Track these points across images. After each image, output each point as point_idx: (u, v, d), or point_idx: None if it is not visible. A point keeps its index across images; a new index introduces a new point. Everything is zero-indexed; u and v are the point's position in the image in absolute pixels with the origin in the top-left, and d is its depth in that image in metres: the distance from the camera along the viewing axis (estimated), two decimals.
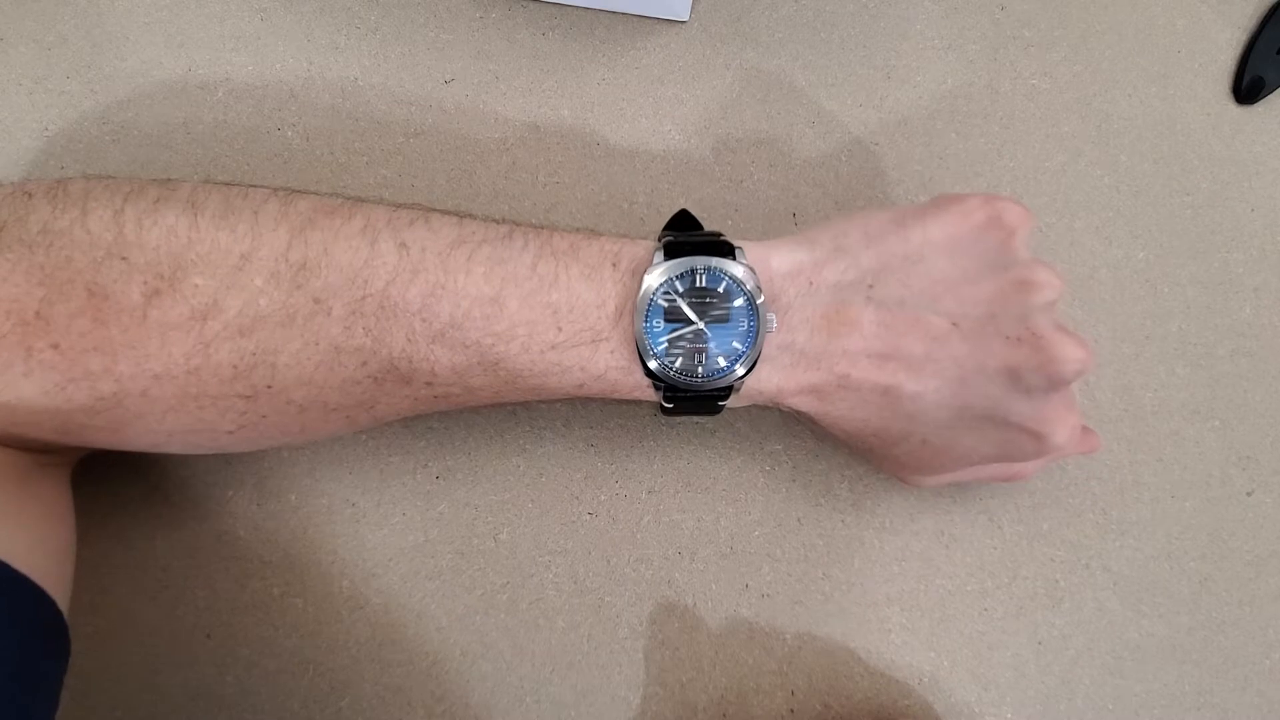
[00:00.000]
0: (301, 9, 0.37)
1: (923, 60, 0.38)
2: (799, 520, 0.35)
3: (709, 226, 0.37)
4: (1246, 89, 0.38)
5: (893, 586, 0.35)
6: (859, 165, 0.37)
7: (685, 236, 0.28)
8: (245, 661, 0.33)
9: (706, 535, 0.35)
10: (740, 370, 0.27)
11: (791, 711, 0.33)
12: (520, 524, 0.34)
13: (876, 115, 0.38)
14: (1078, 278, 0.37)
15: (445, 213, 0.27)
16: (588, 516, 0.34)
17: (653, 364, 0.26)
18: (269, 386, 0.25)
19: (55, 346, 0.24)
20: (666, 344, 0.26)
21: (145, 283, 0.24)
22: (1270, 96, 0.39)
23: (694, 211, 0.37)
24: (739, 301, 0.27)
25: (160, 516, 0.33)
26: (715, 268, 0.27)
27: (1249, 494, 0.36)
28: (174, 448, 0.28)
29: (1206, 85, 0.39)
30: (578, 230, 0.28)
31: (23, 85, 0.36)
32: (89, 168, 0.35)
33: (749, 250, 0.27)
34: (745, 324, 0.27)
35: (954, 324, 0.27)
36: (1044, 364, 0.26)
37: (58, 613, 0.24)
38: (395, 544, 0.34)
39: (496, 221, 0.27)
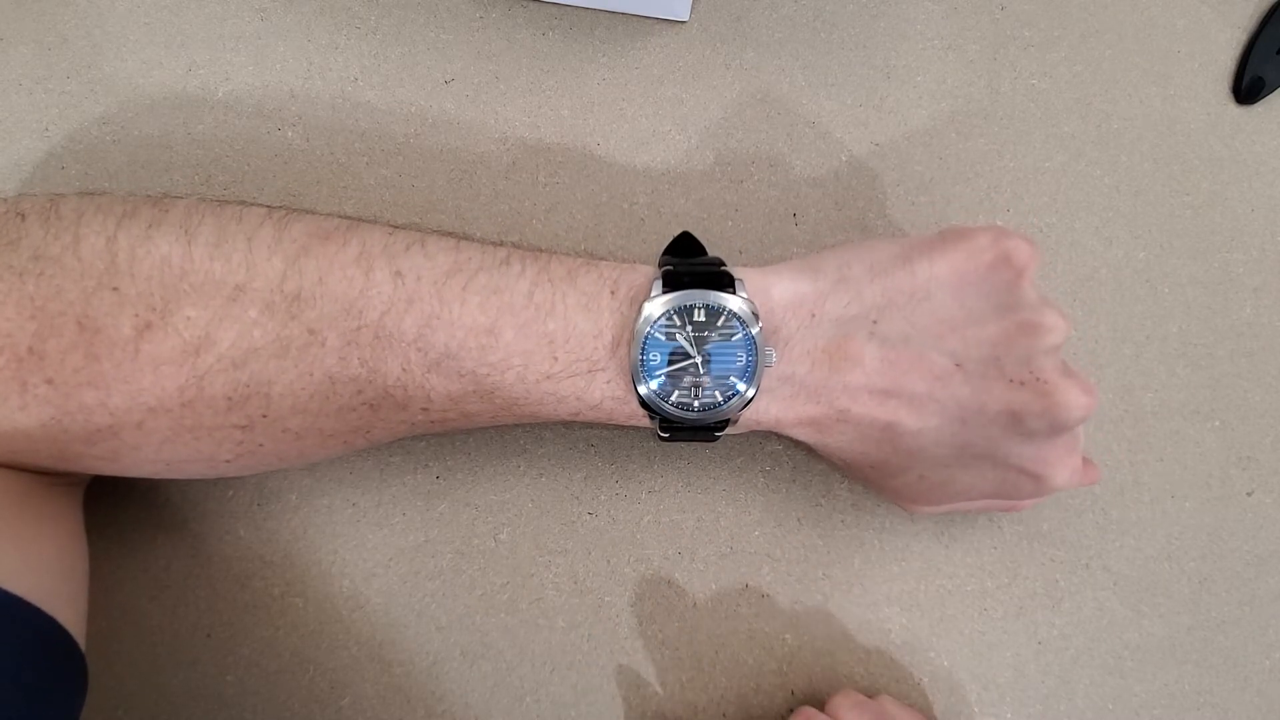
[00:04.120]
0: (301, 9, 0.37)
1: (923, 60, 0.38)
2: (799, 520, 0.35)
3: (710, 227, 0.37)
4: (1246, 89, 0.38)
5: (893, 586, 0.35)
6: (859, 165, 0.37)
7: (685, 265, 0.27)
8: (245, 661, 0.33)
9: (706, 535, 0.35)
10: (736, 405, 0.26)
11: (791, 711, 0.33)
12: (520, 524, 0.34)
13: (876, 115, 0.38)
14: (1078, 278, 0.37)
15: (443, 235, 0.27)
16: (588, 516, 0.34)
17: (647, 396, 0.26)
18: (264, 416, 0.25)
19: (49, 382, 0.24)
20: (663, 376, 0.26)
21: (136, 315, 0.24)
22: (1270, 96, 0.39)
23: (694, 210, 0.37)
24: (738, 335, 0.26)
25: (161, 516, 0.34)
26: (714, 303, 0.26)
27: (1249, 494, 0.36)
28: (174, 475, 0.28)
29: (1206, 85, 0.39)
30: (576, 256, 0.28)
31: (23, 85, 0.36)
32: (89, 168, 0.35)
33: (750, 279, 0.27)
34: (744, 358, 0.26)
35: (957, 364, 0.26)
36: (1047, 409, 0.26)
37: (64, 633, 0.24)
38: (395, 544, 0.34)
39: (494, 245, 0.27)
